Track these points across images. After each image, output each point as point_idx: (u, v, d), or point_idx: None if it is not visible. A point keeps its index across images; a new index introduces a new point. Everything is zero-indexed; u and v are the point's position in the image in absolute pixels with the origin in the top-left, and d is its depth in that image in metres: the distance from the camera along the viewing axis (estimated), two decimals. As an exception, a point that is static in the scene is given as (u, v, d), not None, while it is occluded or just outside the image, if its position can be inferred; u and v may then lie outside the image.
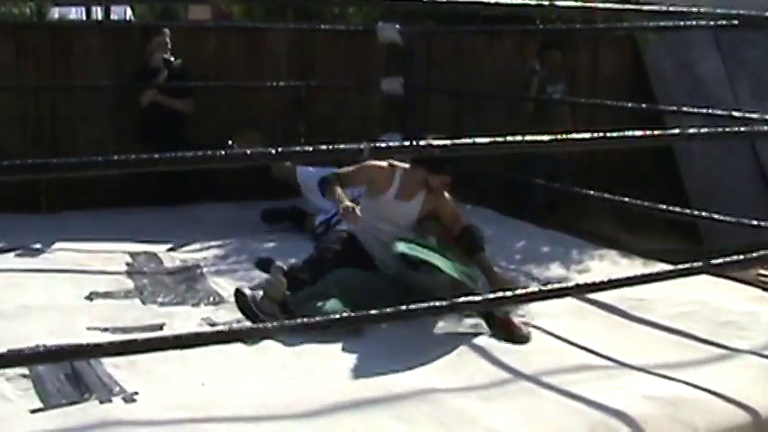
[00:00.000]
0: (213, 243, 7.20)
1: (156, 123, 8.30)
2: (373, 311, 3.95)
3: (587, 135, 4.16)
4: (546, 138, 4.09)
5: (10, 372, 4.25)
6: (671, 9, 5.73)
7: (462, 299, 4.23)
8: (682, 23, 7.03)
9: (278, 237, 7.36)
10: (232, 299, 5.72)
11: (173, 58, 8.50)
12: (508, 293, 4.56)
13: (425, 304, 4.03)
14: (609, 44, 10.87)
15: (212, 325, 5.26)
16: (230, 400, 4.10)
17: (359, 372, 4.51)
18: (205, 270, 6.46)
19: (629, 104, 8.49)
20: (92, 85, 8.76)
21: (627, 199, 6.78)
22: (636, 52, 10.92)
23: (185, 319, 5.35)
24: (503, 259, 6.76)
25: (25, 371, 4.29)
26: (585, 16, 9.19)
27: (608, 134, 4.14)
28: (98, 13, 25.91)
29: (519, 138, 3.97)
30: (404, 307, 3.87)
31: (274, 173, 7.68)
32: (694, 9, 4.98)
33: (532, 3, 4.47)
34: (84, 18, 24.69)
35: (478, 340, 4.94)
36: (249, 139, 7.51)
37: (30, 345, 4.56)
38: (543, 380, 4.37)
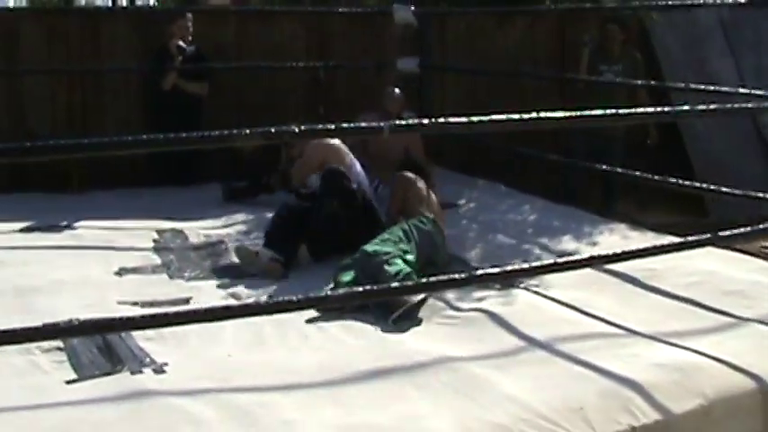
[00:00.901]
0: (236, 219, 7.21)
1: (173, 105, 8.28)
2: (394, 284, 3.95)
3: (599, 112, 4.13)
4: (557, 114, 4.07)
5: (45, 344, 4.28)
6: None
7: (480, 272, 4.22)
8: (689, 2, 6.97)
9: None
10: (257, 275, 5.75)
11: (185, 44, 8.44)
12: (524, 265, 4.56)
13: (446, 277, 4.02)
14: (617, 23, 10.79)
15: (237, 298, 5.27)
16: (256, 371, 4.12)
17: (379, 342, 4.52)
18: (229, 245, 6.47)
19: (619, 80, 8.49)
20: (119, 69, 8.76)
21: (638, 173, 6.76)
22: (644, 32, 10.86)
23: (211, 294, 5.36)
24: (516, 232, 6.75)
25: (60, 344, 4.32)
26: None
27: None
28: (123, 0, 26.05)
29: (533, 115, 3.95)
30: (424, 280, 3.87)
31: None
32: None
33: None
34: (111, 4, 24.77)
35: (494, 310, 4.92)
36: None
37: (63, 319, 4.59)
38: (556, 348, 4.36)
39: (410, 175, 6.30)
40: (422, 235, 5.75)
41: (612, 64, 8.92)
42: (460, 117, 3.76)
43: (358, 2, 11.51)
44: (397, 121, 4.53)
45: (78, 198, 8.06)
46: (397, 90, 7.91)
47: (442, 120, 3.71)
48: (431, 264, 5.73)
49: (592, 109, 4.19)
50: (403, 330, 4.69)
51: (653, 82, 8.87)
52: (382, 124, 3.48)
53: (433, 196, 6.28)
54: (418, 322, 4.82)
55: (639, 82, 8.43)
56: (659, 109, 4.70)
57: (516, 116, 3.89)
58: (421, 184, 6.25)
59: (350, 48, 9.42)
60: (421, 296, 5.04)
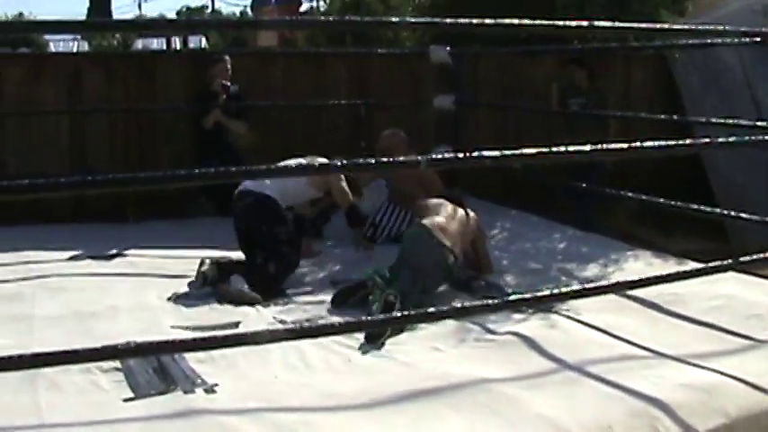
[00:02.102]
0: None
1: (218, 142, 8.32)
2: (416, 311, 3.96)
3: (624, 145, 4.13)
4: (587, 148, 4.07)
5: (105, 365, 4.32)
6: (698, 27, 5.68)
7: (513, 297, 4.21)
8: (708, 41, 6.94)
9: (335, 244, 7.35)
10: (300, 300, 5.76)
11: (230, 83, 8.49)
12: (555, 291, 4.55)
13: (481, 302, 4.01)
14: (641, 61, 10.78)
15: (283, 323, 5.28)
16: (301, 392, 4.12)
17: (417, 364, 4.50)
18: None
19: (643, 114, 8.45)
20: (171, 108, 8.85)
21: (662, 200, 6.74)
22: (667, 69, 10.83)
23: (258, 318, 5.38)
24: (547, 259, 6.73)
25: (118, 364, 4.35)
26: (619, 36, 9.13)
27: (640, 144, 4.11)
28: (176, 42, 26.40)
29: (561, 148, 3.95)
30: (458, 305, 3.86)
31: None
32: (720, 27, 4.94)
33: (571, 24, 4.45)
34: (165, 47, 25.07)
35: (526, 333, 4.90)
36: None
37: (121, 341, 4.63)
38: (586, 369, 4.33)
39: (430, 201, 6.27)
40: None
41: (579, 98, 9.02)
42: (492, 151, 3.77)
43: (396, 43, 11.55)
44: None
45: (134, 228, 8.13)
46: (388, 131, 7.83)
47: (475, 153, 3.72)
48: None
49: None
50: (439, 352, 4.68)
51: (675, 116, 8.85)
52: (419, 158, 3.49)
53: (458, 220, 6.10)
54: (455, 344, 4.81)
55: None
56: (683, 141, 4.68)
57: (545, 149, 3.90)
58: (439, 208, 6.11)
59: (389, 86, 9.46)
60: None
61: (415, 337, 4.80)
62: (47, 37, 28.74)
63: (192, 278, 6.08)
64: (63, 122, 8.68)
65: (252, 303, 5.71)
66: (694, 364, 4.37)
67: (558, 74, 9.51)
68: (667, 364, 4.43)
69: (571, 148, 4.00)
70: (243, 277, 5.94)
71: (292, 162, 6.08)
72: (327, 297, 5.82)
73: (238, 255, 6.48)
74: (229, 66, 8.60)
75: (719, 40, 6.90)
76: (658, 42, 8.73)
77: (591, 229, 7.82)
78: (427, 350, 4.71)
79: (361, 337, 4.74)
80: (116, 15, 56.90)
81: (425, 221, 5.87)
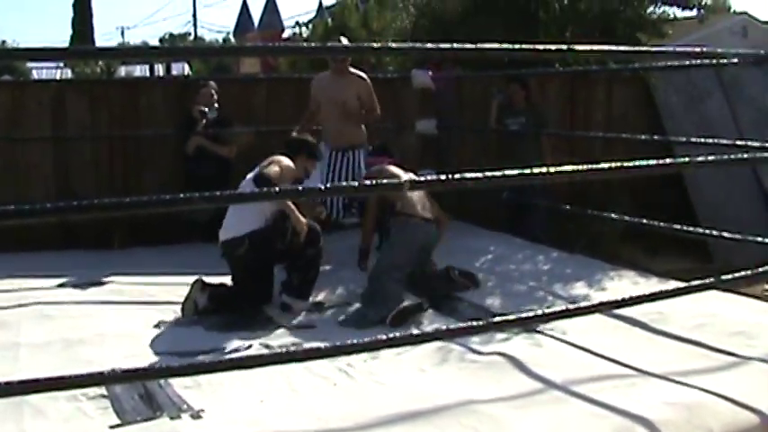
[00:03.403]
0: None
1: (201, 167, 8.33)
2: (412, 333, 3.97)
3: (614, 164, 4.17)
4: (570, 168, 4.11)
5: (91, 392, 4.31)
6: (677, 50, 5.74)
7: (498, 319, 4.22)
8: (687, 63, 7.01)
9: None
10: (285, 324, 5.77)
11: (207, 109, 8.52)
12: (540, 312, 4.58)
13: (465, 324, 4.02)
14: (622, 83, 10.86)
15: (268, 347, 5.28)
16: (288, 416, 4.13)
17: (402, 386, 4.51)
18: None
19: (624, 135, 8.50)
20: (155, 135, 8.87)
21: (645, 221, 6.78)
22: (647, 89, 10.90)
23: (244, 344, 5.37)
24: (531, 280, 6.76)
25: (104, 391, 4.35)
26: (600, 58, 9.20)
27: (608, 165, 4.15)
28: (160, 69, 26.43)
29: (544, 170, 3.99)
30: (444, 327, 3.88)
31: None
32: (697, 49, 4.99)
33: (552, 48, 4.49)
34: (148, 74, 25.06)
35: (512, 353, 4.92)
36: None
37: (107, 368, 4.62)
38: (571, 389, 4.36)
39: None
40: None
41: (518, 116, 9.08)
42: (475, 173, 3.80)
43: (378, 68, 11.59)
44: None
45: (119, 254, 8.12)
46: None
47: (458, 176, 3.74)
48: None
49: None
50: (424, 374, 4.69)
51: (656, 137, 8.92)
52: (402, 181, 3.51)
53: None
54: (441, 365, 4.82)
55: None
56: (663, 161, 4.72)
57: (526, 171, 3.93)
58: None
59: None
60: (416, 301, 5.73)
61: (401, 358, 4.81)
62: (29, 64, 28.78)
63: (179, 304, 6.08)
64: (47, 149, 8.67)
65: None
66: (678, 382, 4.40)
67: (491, 89, 9.59)
68: (651, 382, 4.45)
69: (549, 169, 4.04)
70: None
71: (250, 177, 6.31)
72: (313, 321, 5.84)
73: (219, 280, 6.49)
74: (214, 92, 8.63)
75: (698, 62, 6.96)
76: (638, 65, 8.81)
77: (541, 241, 8.04)
78: (412, 371, 4.72)
79: (348, 359, 4.74)
80: (99, 42, 57.05)
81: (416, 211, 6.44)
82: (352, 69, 7.87)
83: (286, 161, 6.42)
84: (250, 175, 6.37)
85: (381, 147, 7.58)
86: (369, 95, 7.83)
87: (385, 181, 3.46)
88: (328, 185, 4.19)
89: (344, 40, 7.91)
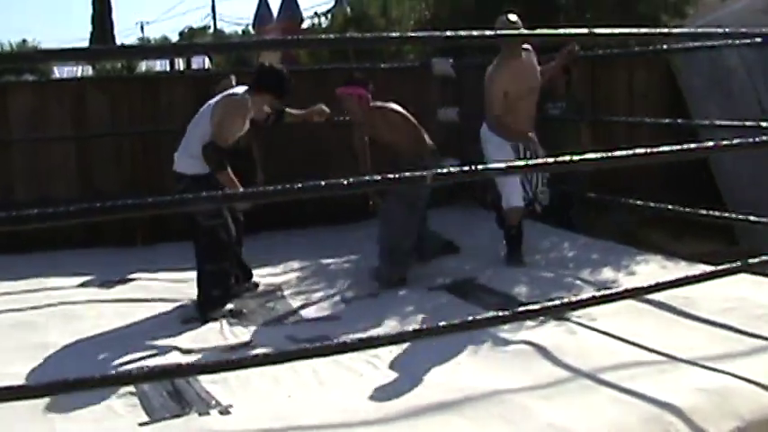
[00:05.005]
0: (292, 266, 7.25)
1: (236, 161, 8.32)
2: (441, 324, 3.97)
3: (641, 150, 4.14)
4: (597, 155, 4.09)
5: (120, 390, 4.34)
6: (700, 30, 5.69)
7: (525, 308, 4.21)
8: (709, 43, 6.95)
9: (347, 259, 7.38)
10: (311, 317, 5.78)
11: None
12: (567, 300, 4.56)
13: (492, 313, 4.02)
14: (645, 65, 10.78)
15: (294, 341, 5.29)
16: (316, 409, 4.14)
17: (430, 377, 4.51)
18: (286, 292, 6.51)
19: (648, 119, 8.44)
20: (176, 130, 8.88)
21: (671, 206, 6.75)
22: (669, 71, 10.82)
23: (270, 338, 5.39)
24: (558, 266, 6.74)
25: (132, 388, 4.38)
26: (621, 41, 9.13)
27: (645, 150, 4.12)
28: (180, 63, 26.44)
29: (568, 158, 3.97)
30: (470, 318, 3.88)
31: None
32: (720, 30, 4.95)
33: (572, 32, 4.47)
34: (168, 69, 25.08)
35: (540, 342, 4.92)
36: None
37: (135, 366, 4.67)
38: (600, 376, 4.35)
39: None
40: None
41: (557, 101, 8.97)
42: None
43: (400, 57, 11.55)
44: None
45: (143, 251, 8.15)
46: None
47: (482, 166, 3.74)
48: None
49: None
50: (452, 363, 4.69)
51: (680, 119, 8.85)
52: (425, 173, 3.51)
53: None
54: (468, 354, 4.81)
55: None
56: (690, 145, 4.70)
57: (550, 160, 3.91)
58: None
59: (392, 99, 9.46)
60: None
61: (427, 349, 4.81)
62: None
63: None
64: (70, 147, 8.72)
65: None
66: (707, 367, 4.39)
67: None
68: (680, 367, 4.44)
69: (577, 157, 4.02)
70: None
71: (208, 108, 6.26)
72: (339, 314, 5.85)
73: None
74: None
75: (720, 43, 6.91)
76: (660, 46, 8.74)
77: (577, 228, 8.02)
78: (439, 362, 4.72)
79: (374, 352, 4.74)
80: (119, 39, 57.22)
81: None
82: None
83: (233, 103, 6.19)
84: (211, 102, 6.32)
85: (352, 78, 7.32)
86: None
87: (407, 174, 3.46)
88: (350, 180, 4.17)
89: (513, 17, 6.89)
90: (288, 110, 6.78)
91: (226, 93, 6.26)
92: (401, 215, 6.50)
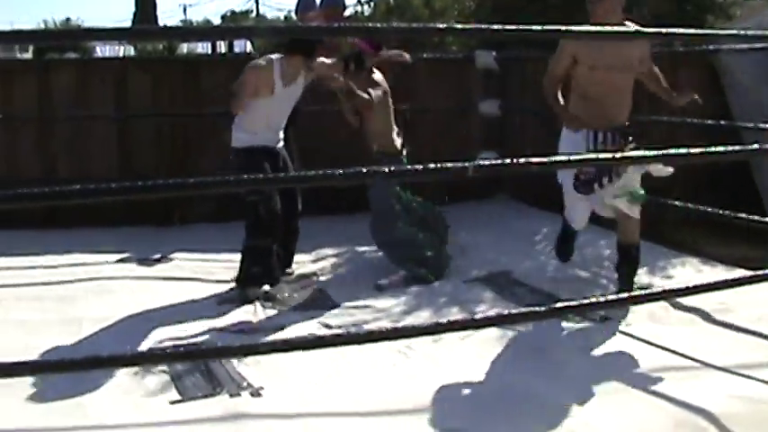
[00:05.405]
0: (326, 253, 7.26)
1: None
2: (478, 317, 3.96)
3: (683, 150, 4.11)
4: (646, 153, 4.07)
5: (153, 365, 4.36)
6: (749, 33, 5.64)
7: (560, 304, 4.18)
8: (758, 46, 6.89)
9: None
10: (345, 304, 5.78)
11: None
12: (602, 299, 4.54)
13: (526, 309, 4.01)
14: (688, 65, 10.69)
15: (328, 327, 5.30)
16: (347, 396, 4.15)
17: (462, 371, 4.51)
18: (321, 278, 6.53)
19: (690, 120, 8.37)
20: (217, 114, 8.91)
21: (710, 209, 6.69)
22: (713, 72, 10.72)
23: (303, 323, 5.40)
24: (593, 265, 6.70)
25: (165, 367, 4.40)
26: (666, 41, 9.06)
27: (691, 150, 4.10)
28: (222, 46, 26.53)
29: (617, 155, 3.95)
30: (506, 312, 3.87)
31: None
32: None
33: (619, 30, 4.44)
34: (210, 51, 25.15)
35: (575, 344, 4.89)
36: None
37: (167, 344, 4.69)
38: (633, 379, 4.33)
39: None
40: None
41: None
42: (539, 156, 3.77)
43: (442, 48, 11.52)
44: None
45: (180, 231, 8.19)
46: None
47: (522, 159, 3.71)
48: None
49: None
50: (487, 361, 4.68)
51: (722, 122, 8.76)
52: (467, 165, 3.49)
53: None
54: (505, 353, 4.80)
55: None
56: (732, 148, 4.67)
57: (592, 156, 3.89)
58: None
59: (434, 91, 9.45)
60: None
61: (460, 342, 4.80)
62: (93, 42, 29.09)
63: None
64: (111, 126, 8.77)
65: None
66: (742, 374, 4.35)
67: None
68: (714, 373, 4.40)
69: (618, 155, 4.00)
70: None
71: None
72: (372, 302, 5.85)
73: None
74: None
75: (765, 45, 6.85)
76: (707, 47, 8.66)
77: None
78: (472, 356, 4.71)
79: (407, 342, 4.74)
80: (161, 20, 57.53)
81: None
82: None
83: (251, 63, 6.24)
84: None
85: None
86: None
87: (449, 164, 3.44)
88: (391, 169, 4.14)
89: None
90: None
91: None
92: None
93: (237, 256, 6.26)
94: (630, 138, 5.45)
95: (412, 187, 6.74)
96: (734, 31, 6.01)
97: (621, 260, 5.74)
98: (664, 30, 4.34)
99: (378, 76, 6.72)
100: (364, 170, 3.40)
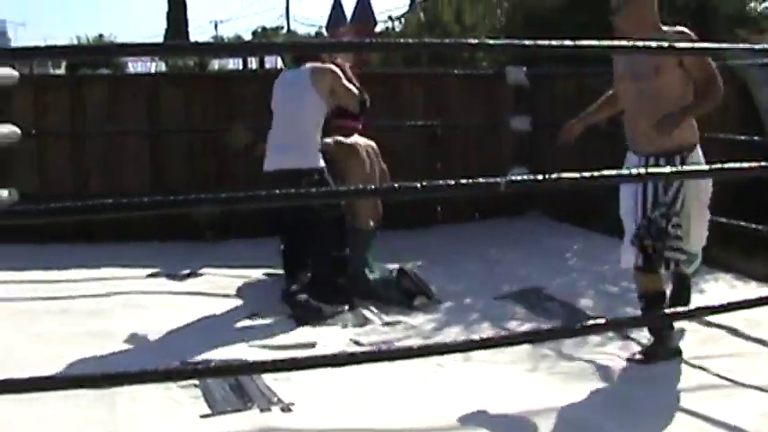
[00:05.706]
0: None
1: None
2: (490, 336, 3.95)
3: (704, 167, 4.09)
4: (667, 169, 4.04)
5: (183, 381, 4.37)
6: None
7: (592, 322, 4.17)
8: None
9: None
10: (376, 321, 5.78)
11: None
12: (633, 316, 4.51)
13: (559, 326, 3.99)
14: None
15: (358, 344, 5.30)
16: (377, 412, 4.14)
17: (493, 389, 4.49)
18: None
19: (722, 135, 8.31)
20: (251, 128, 8.94)
21: (743, 223, 6.65)
22: (744, 86, 10.65)
23: (334, 339, 5.40)
24: (624, 280, 6.65)
25: (196, 381, 4.41)
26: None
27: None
28: (253, 62, 26.65)
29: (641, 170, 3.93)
30: (536, 327, 3.85)
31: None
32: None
33: (649, 45, 4.42)
34: (241, 67, 25.28)
35: (604, 359, 4.86)
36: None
37: (197, 359, 4.70)
38: (666, 397, 4.30)
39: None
40: None
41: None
42: (570, 172, 3.75)
43: (472, 64, 11.52)
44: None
45: (212, 247, 8.20)
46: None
47: (554, 175, 3.70)
48: None
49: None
50: (516, 376, 4.66)
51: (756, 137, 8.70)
52: (499, 180, 3.49)
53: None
54: (534, 368, 4.78)
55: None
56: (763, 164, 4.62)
57: (625, 172, 3.87)
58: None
59: (465, 107, 9.44)
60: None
61: (491, 360, 4.78)
62: (125, 58, 29.33)
63: (270, 296, 6.13)
64: (143, 141, 8.82)
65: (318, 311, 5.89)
66: (777, 393, 4.30)
67: None
68: (746, 391, 4.36)
69: (651, 170, 3.97)
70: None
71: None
72: (403, 318, 5.84)
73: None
74: None
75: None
76: (734, 62, 8.60)
77: None
78: (503, 374, 4.69)
79: (439, 360, 4.72)
80: (192, 36, 57.95)
81: None
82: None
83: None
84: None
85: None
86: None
87: (481, 180, 3.42)
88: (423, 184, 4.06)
89: None
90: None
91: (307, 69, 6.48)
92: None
93: (268, 272, 6.26)
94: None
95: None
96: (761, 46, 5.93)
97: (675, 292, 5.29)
98: (725, 45, 4.32)
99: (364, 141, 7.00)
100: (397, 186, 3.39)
